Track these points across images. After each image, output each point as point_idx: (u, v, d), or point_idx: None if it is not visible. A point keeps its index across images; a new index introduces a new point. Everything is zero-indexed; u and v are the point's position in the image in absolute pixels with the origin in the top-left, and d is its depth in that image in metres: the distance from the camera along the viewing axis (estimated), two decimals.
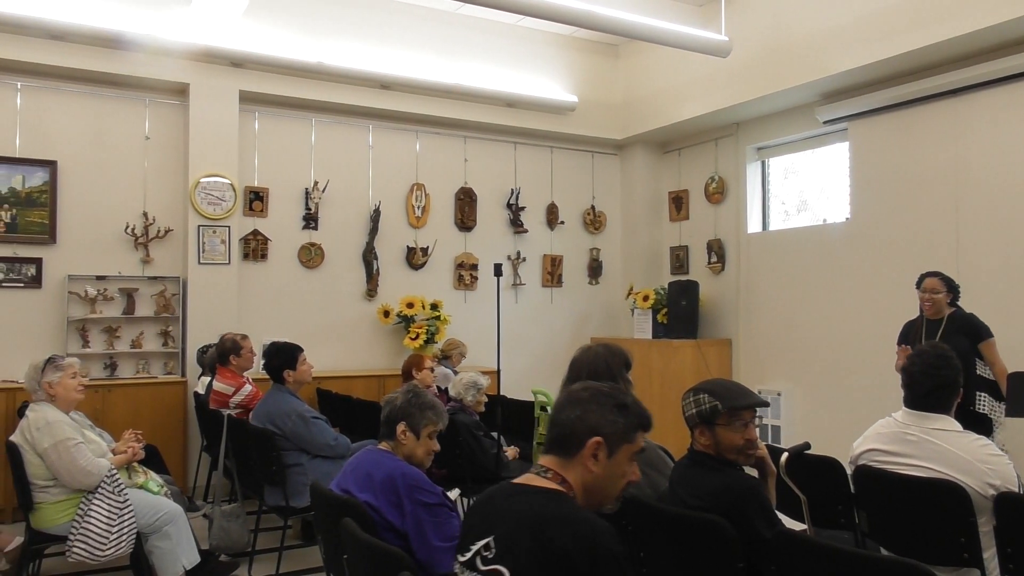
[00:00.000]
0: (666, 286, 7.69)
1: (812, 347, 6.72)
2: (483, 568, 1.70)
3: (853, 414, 6.03)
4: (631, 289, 8.01)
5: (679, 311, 7.41)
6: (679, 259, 8.07)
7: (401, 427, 2.79)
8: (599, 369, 2.77)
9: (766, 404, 2.83)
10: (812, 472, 3.07)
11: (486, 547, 1.71)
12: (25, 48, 5.64)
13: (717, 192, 7.64)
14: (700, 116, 7.20)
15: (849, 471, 3.06)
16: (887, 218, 6.12)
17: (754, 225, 7.44)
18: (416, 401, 2.82)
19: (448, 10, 7.05)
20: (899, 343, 4.86)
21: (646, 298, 7.67)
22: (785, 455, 2.72)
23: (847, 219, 6.54)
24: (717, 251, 7.63)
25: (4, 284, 5.77)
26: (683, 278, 7.73)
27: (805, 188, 7.26)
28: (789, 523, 2.61)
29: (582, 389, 1.88)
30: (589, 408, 1.81)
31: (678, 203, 8.11)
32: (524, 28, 7.44)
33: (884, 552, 2.89)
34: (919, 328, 4.76)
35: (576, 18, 5.62)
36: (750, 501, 2.30)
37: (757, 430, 2.64)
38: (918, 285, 4.78)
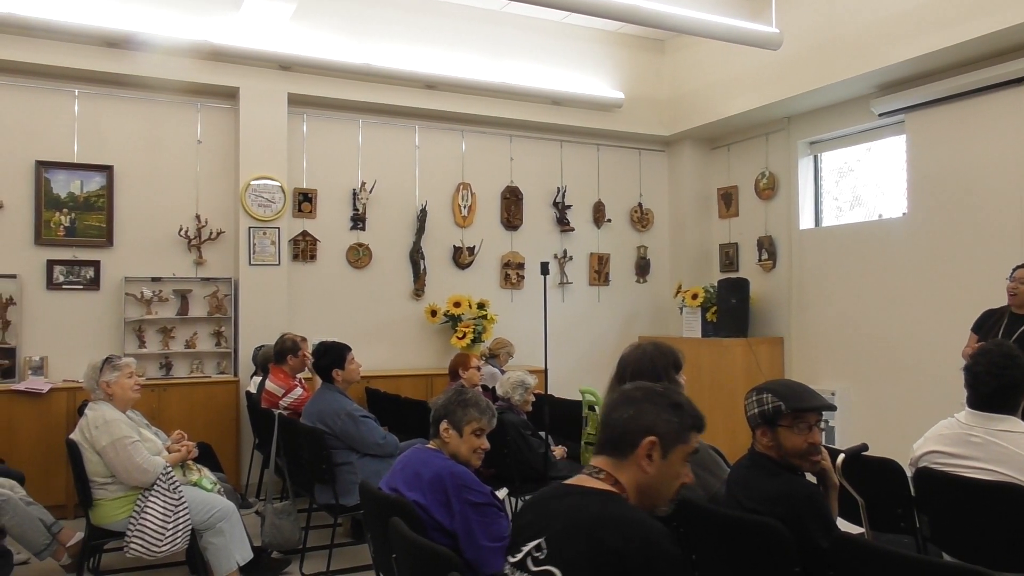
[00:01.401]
0: (715, 284, 7.58)
1: (868, 345, 6.54)
2: (534, 569, 1.68)
3: (912, 415, 5.86)
4: (679, 287, 7.91)
5: (729, 309, 7.30)
6: (729, 256, 7.94)
7: (443, 425, 2.78)
8: (644, 368, 2.70)
9: (832, 408, 2.73)
10: (870, 474, 2.98)
11: (537, 548, 1.69)
12: (82, 56, 5.79)
13: (768, 188, 7.50)
14: (750, 111, 7.07)
15: (909, 473, 2.97)
16: (946, 213, 5.93)
17: (806, 221, 7.28)
18: (457, 399, 2.82)
19: (494, 9, 7.05)
20: (973, 330, 4.65)
21: (695, 296, 7.56)
22: (842, 456, 2.65)
23: (904, 214, 6.35)
24: (768, 248, 7.49)
25: (64, 286, 5.94)
26: (733, 275, 7.60)
27: (858, 183, 7.08)
28: (845, 526, 2.53)
29: (635, 388, 1.85)
30: (643, 408, 1.78)
31: (727, 199, 7.98)
32: (569, 25, 7.39)
33: (947, 558, 2.79)
34: (999, 319, 4.53)
35: (623, 14, 5.56)
36: (808, 508, 2.23)
37: (823, 434, 2.55)
38: (1011, 276, 4.54)
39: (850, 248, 6.74)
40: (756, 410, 2.38)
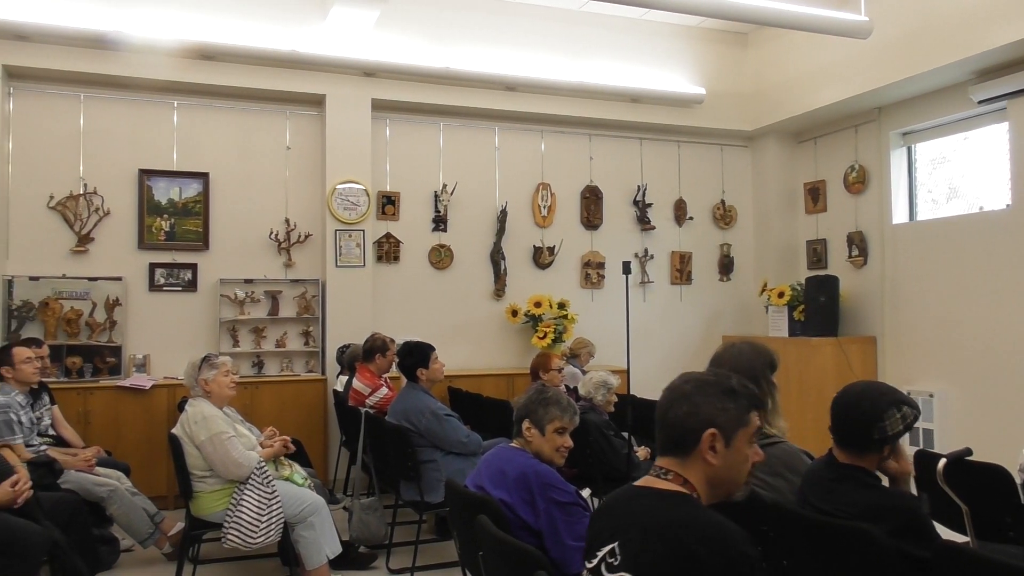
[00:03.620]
0: (803, 282, 7.36)
1: (969, 345, 6.24)
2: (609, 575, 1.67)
3: (1017, 419, 5.56)
4: (765, 285, 7.72)
5: (818, 308, 7.08)
6: (817, 253, 7.71)
7: (526, 424, 2.80)
8: (741, 368, 2.64)
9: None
10: (974, 480, 2.84)
11: (611, 553, 1.67)
12: (181, 69, 6.07)
13: (858, 182, 7.24)
14: (838, 102, 6.84)
15: (1018, 480, 2.81)
16: None
17: (900, 215, 7.00)
18: (539, 397, 2.82)
19: (572, 8, 7.04)
20: None
21: (781, 295, 7.37)
22: (943, 461, 2.54)
23: (1007, 206, 6.03)
24: (859, 244, 7.23)
25: (165, 288, 6.24)
26: (821, 273, 7.38)
27: (955, 174, 6.76)
28: (947, 534, 2.43)
29: (684, 382, 1.79)
30: (696, 401, 1.73)
31: (815, 194, 7.74)
32: (648, 22, 7.31)
33: None
34: None
35: (706, 8, 5.48)
36: (912, 520, 2.15)
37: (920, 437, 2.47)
38: None
39: (949, 242, 6.44)
40: (900, 427, 2.26)
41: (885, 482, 2.33)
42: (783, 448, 2.53)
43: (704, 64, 7.65)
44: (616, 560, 1.65)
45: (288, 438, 4.20)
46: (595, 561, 1.71)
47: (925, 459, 3.00)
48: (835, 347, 6.90)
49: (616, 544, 1.67)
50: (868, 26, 5.94)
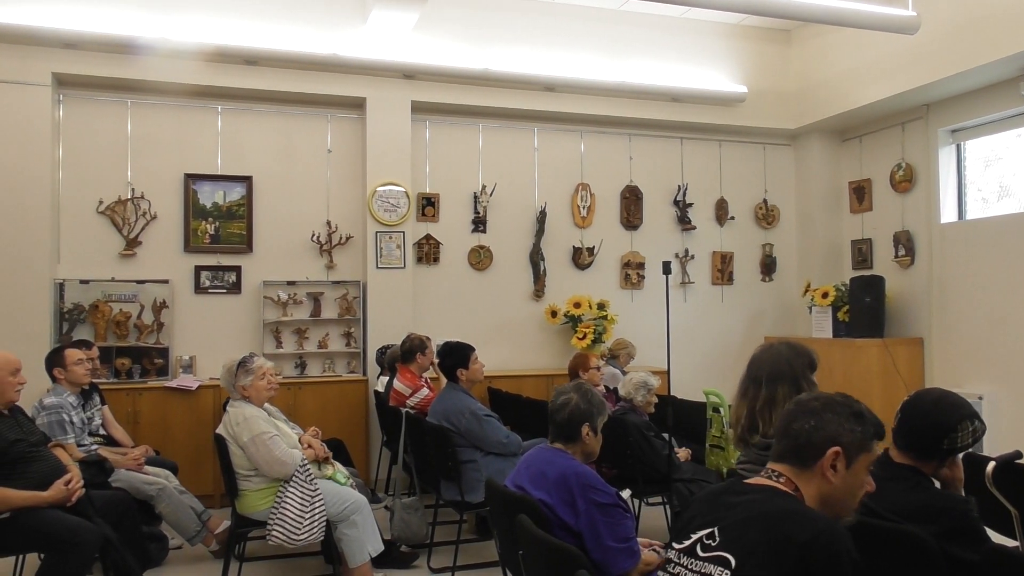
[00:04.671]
0: (847, 282, 7.24)
1: (1019, 346, 6.08)
2: (704, 555, 1.70)
3: None
4: (808, 286, 7.60)
5: (863, 308, 6.95)
6: (862, 253, 7.57)
7: (585, 428, 2.79)
8: (781, 369, 2.62)
9: None
10: None
11: (709, 536, 1.72)
12: (225, 74, 6.18)
13: (904, 180, 7.09)
14: (884, 99, 6.71)
15: None
16: None
17: (948, 214, 6.84)
18: (594, 400, 2.83)
19: (612, 7, 7.01)
20: None
21: (825, 295, 7.25)
22: (992, 464, 2.48)
23: None
24: (905, 243, 7.08)
25: (210, 290, 6.36)
26: (867, 273, 7.24)
27: (1007, 172, 6.58)
28: (996, 539, 2.37)
29: (813, 399, 1.85)
30: (825, 417, 1.78)
31: (860, 193, 7.60)
32: (689, 20, 7.26)
33: None
34: None
35: (750, 6, 5.42)
36: (962, 523, 2.12)
37: None
38: None
39: (999, 242, 6.27)
40: (970, 440, 2.27)
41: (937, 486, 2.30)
42: None
43: (746, 62, 7.56)
44: (715, 542, 1.70)
45: (322, 445, 4.22)
46: (687, 543, 1.76)
47: (974, 462, 2.93)
48: (881, 348, 6.76)
49: (716, 528, 1.72)
50: (916, 21, 5.82)
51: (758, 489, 1.77)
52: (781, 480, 1.77)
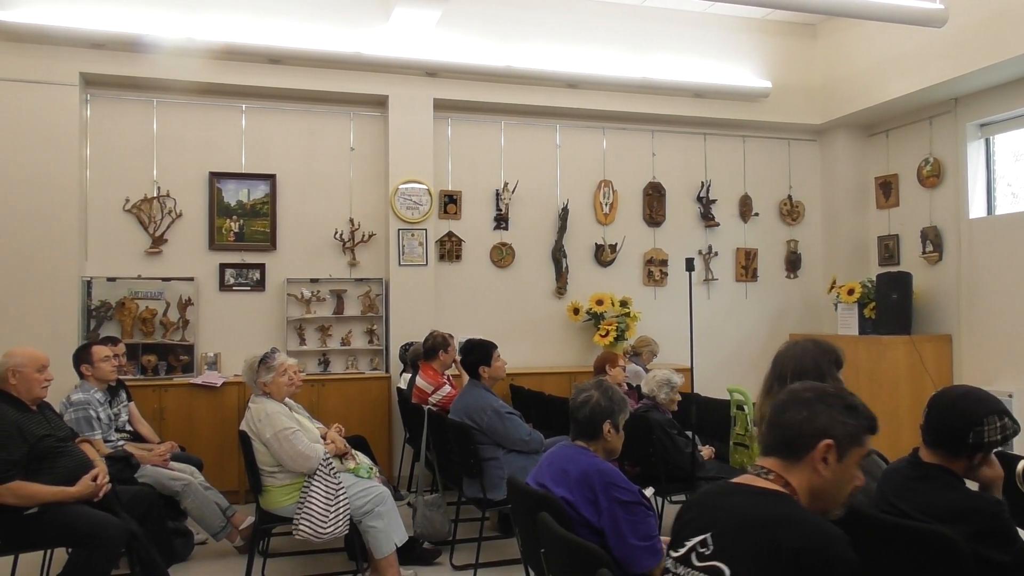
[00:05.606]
0: (874, 278, 7.15)
1: None
2: (699, 564, 1.67)
3: None
4: (834, 282, 7.51)
5: (890, 305, 6.86)
6: (888, 249, 7.47)
7: (607, 426, 2.78)
8: (807, 366, 2.59)
9: None
10: None
11: (702, 544, 1.68)
12: (249, 73, 6.23)
13: (932, 175, 6.99)
14: (912, 93, 6.61)
15: None
16: None
17: (977, 209, 6.73)
18: (615, 397, 2.81)
19: (634, 3, 6.98)
20: None
21: (851, 291, 7.16)
22: (1022, 463, 2.44)
23: None
24: (933, 239, 6.98)
25: (234, 287, 6.41)
26: (893, 269, 7.15)
27: None
28: None
29: (805, 389, 1.80)
30: (817, 409, 1.73)
31: (886, 189, 7.50)
32: (712, 15, 7.20)
33: None
34: None
35: (774, 0, 5.35)
36: (993, 523, 2.08)
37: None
38: None
39: None
40: (999, 436, 2.22)
41: (971, 486, 2.26)
42: None
43: (770, 57, 7.49)
44: (708, 550, 1.66)
45: (343, 442, 4.23)
46: (683, 550, 1.72)
47: (1004, 461, 2.88)
48: (908, 345, 6.67)
49: (709, 535, 1.67)
50: (944, 14, 5.72)
51: (746, 490, 1.72)
52: (769, 477, 1.72)
